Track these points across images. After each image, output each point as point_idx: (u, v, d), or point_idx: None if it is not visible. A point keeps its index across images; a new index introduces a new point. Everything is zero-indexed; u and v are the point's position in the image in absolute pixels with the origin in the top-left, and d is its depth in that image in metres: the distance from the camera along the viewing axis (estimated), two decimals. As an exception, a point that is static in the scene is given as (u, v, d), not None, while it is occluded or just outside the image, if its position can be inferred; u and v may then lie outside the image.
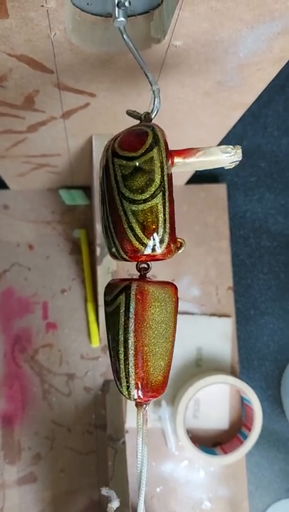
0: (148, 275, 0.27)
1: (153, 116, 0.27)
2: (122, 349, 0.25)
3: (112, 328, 0.26)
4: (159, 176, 0.25)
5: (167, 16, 0.26)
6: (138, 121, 0.28)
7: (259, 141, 0.63)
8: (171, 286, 0.27)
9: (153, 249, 0.25)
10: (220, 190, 0.61)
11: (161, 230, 0.25)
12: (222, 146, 0.27)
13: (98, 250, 0.48)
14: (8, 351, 0.57)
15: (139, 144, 0.25)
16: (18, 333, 0.57)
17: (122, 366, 0.25)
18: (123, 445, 0.50)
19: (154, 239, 0.25)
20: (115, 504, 0.34)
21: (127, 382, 0.25)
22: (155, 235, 0.25)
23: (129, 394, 0.26)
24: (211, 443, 0.57)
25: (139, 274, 0.27)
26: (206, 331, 0.58)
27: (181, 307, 0.58)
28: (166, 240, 0.25)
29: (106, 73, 0.31)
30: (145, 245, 0.25)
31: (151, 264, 0.27)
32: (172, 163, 0.26)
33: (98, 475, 0.55)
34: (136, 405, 0.26)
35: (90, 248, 0.59)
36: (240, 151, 0.27)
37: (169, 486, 0.56)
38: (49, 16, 0.24)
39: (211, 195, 0.61)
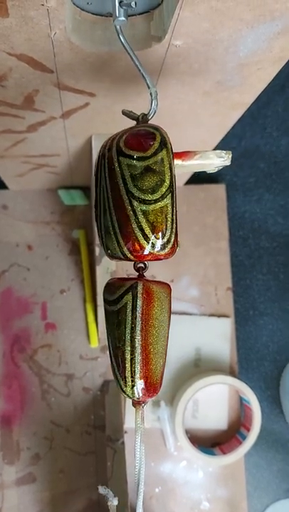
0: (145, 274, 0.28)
1: (150, 118, 0.27)
2: (129, 348, 0.25)
3: (118, 328, 0.26)
4: (169, 177, 0.25)
5: (167, 15, 0.26)
6: (134, 122, 0.28)
7: (258, 141, 0.63)
8: (167, 286, 0.28)
9: (159, 249, 0.25)
10: (219, 190, 0.61)
11: (168, 231, 0.25)
12: (217, 151, 0.28)
13: (97, 250, 0.48)
14: (7, 351, 0.57)
15: (148, 145, 0.25)
16: (17, 333, 0.57)
17: (128, 365, 0.25)
18: (122, 445, 0.50)
19: (162, 239, 0.25)
20: (115, 501, 0.34)
21: (132, 381, 0.26)
22: (163, 234, 0.25)
23: (133, 393, 0.26)
24: (209, 443, 0.57)
25: (137, 273, 0.27)
26: (205, 331, 0.58)
27: (180, 307, 0.59)
28: (172, 240, 0.26)
29: (106, 73, 0.31)
30: (153, 245, 0.25)
31: (148, 263, 0.27)
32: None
33: (97, 475, 0.55)
34: (134, 405, 0.26)
35: (89, 248, 0.59)
36: (230, 156, 0.28)
37: (168, 486, 0.56)
38: (49, 15, 0.24)
39: (210, 196, 0.61)
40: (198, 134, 0.44)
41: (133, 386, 0.26)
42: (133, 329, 0.25)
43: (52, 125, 0.39)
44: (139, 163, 0.25)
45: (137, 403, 0.26)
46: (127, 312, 0.26)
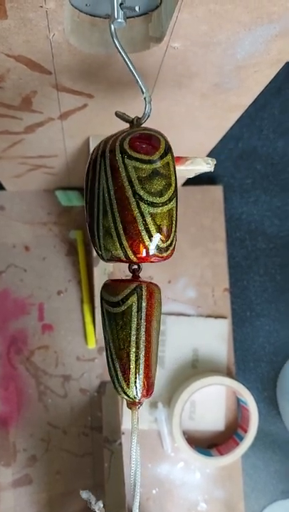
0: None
1: (143, 122, 0.28)
2: (134, 349, 0.26)
3: (123, 329, 0.26)
4: (174, 181, 0.26)
5: (166, 17, 0.26)
6: (128, 124, 0.28)
7: (255, 143, 0.63)
8: (158, 287, 0.28)
9: (163, 251, 0.26)
10: (216, 192, 0.61)
11: (172, 233, 0.26)
12: (205, 158, 0.30)
13: (95, 251, 0.48)
14: (4, 353, 0.57)
15: (154, 149, 0.26)
16: (13, 334, 0.57)
17: (133, 367, 0.26)
18: (119, 446, 0.50)
19: (166, 241, 0.26)
20: (100, 504, 0.34)
21: (136, 382, 0.26)
22: (168, 237, 0.26)
23: (135, 395, 0.26)
24: (206, 444, 0.57)
25: (132, 274, 0.27)
26: (202, 332, 0.58)
27: (177, 309, 0.59)
28: (174, 242, 0.26)
29: (104, 74, 0.31)
30: (158, 247, 0.25)
31: (142, 265, 0.28)
32: None
33: (94, 477, 0.54)
34: (131, 406, 0.26)
35: (87, 249, 0.59)
36: (215, 163, 0.30)
37: (165, 487, 0.56)
38: (48, 16, 0.24)
39: (208, 197, 0.61)
40: (195, 137, 0.44)
41: (136, 387, 0.26)
42: (138, 330, 0.26)
43: (50, 126, 0.39)
44: (147, 166, 0.25)
45: (133, 404, 0.26)
46: (133, 314, 0.26)
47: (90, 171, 0.27)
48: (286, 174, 0.63)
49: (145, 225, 0.25)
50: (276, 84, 0.63)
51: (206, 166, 0.29)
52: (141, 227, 0.25)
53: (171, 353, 0.57)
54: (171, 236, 0.26)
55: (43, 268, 0.59)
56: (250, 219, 0.62)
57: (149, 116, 0.28)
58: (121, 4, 0.24)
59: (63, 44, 0.27)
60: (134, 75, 0.26)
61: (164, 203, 0.25)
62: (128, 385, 0.26)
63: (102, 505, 0.34)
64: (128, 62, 0.26)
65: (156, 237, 0.25)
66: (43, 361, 0.57)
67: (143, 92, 0.27)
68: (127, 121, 0.28)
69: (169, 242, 0.26)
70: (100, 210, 0.26)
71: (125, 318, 0.26)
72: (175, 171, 0.26)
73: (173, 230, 0.26)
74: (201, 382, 0.54)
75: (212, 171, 0.30)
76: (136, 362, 0.26)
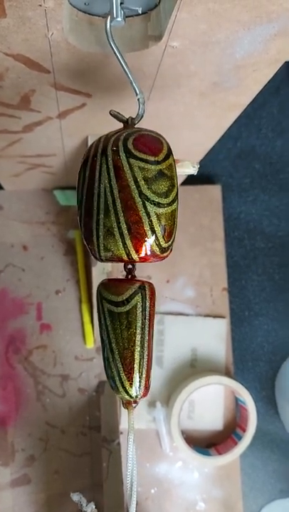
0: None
1: (136, 122, 0.28)
2: (139, 349, 0.26)
3: (127, 329, 0.26)
4: (176, 182, 0.26)
5: (165, 16, 0.26)
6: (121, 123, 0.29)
7: (253, 142, 0.63)
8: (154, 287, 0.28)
9: (164, 251, 0.26)
10: (214, 191, 0.61)
11: (174, 233, 0.26)
12: (192, 161, 0.30)
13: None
14: (2, 352, 0.56)
15: (158, 150, 0.26)
16: (12, 334, 0.57)
17: (137, 366, 0.26)
18: (118, 446, 0.50)
19: (169, 241, 0.26)
20: (92, 505, 0.34)
21: (140, 382, 0.26)
22: (170, 237, 0.26)
23: (136, 394, 0.26)
24: (205, 444, 0.57)
25: (127, 274, 0.27)
26: (200, 332, 0.58)
27: (175, 308, 0.59)
28: (173, 242, 0.27)
29: (103, 74, 0.31)
30: (161, 247, 0.26)
31: (136, 264, 0.28)
32: None
33: (92, 476, 0.54)
34: (127, 406, 0.26)
35: (85, 249, 0.59)
36: (198, 167, 0.31)
37: (164, 487, 0.56)
38: (47, 15, 0.24)
39: (206, 197, 0.61)
40: (194, 136, 0.44)
41: (139, 387, 0.26)
42: (143, 330, 0.26)
43: (48, 125, 0.39)
44: (153, 167, 0.25)
45: (130, 403, 0.26)
46: (138, 313, 0.26)
47: (88, 168, 0.27)
48: (285, 173, 0.63)
49: (151, 225, 0.25)
50: (275, 84, 0.63)
51: (192, 169, 0.30)
52: (147, 228, 0.25)
53: (170, 353, 0.57)
54: (173, 236, 0.26)
55: (41, 267, 0.59)
56: (249, 218, 0.62)
57: (142, 116, 0.28)
58: (121, 4, 0.24)
59: (62, 43, 0.26)
60: (128, 76, 0.26)
61: (169, 204, 0.25)
62: (131, 384, 0.26)
63: (94, 507, 0.34)
64: (122, 63, 0.26)
65: (161, 238, 0.25)
66: (41, 361, 0.56)
67: (137, 94, 0.27)
68: (121, 120, 0.28)
69: (170, 242, 0.26)
70: (100, 209, 0.26)
71: (130, 317, 0.26)
72: (176, 173, 0.26)
73: (174, 230, 0.26)
74: (200, 382, 0.54)
75: (195, 174, 0.31)
76: (140, 362, 0.26)
